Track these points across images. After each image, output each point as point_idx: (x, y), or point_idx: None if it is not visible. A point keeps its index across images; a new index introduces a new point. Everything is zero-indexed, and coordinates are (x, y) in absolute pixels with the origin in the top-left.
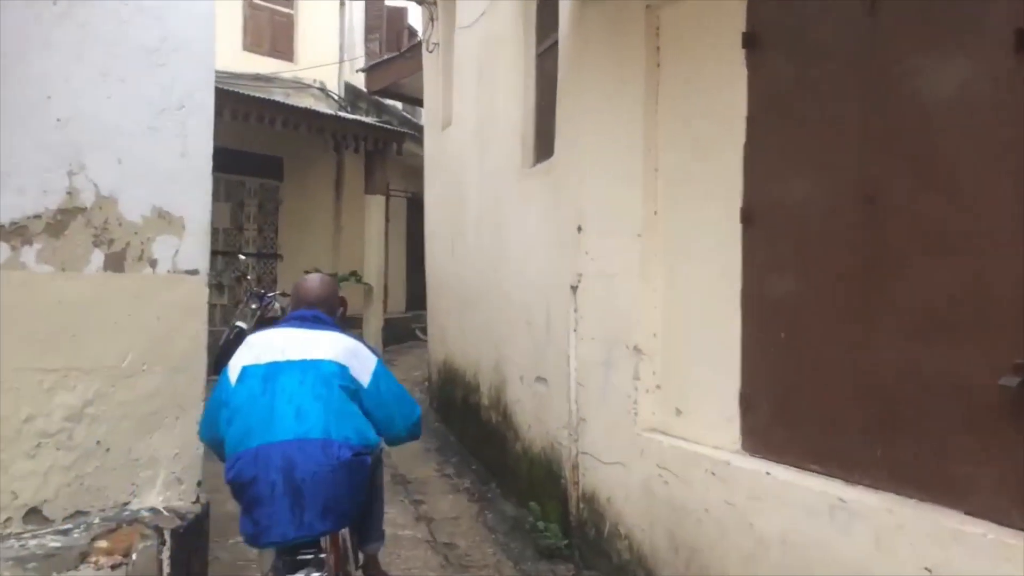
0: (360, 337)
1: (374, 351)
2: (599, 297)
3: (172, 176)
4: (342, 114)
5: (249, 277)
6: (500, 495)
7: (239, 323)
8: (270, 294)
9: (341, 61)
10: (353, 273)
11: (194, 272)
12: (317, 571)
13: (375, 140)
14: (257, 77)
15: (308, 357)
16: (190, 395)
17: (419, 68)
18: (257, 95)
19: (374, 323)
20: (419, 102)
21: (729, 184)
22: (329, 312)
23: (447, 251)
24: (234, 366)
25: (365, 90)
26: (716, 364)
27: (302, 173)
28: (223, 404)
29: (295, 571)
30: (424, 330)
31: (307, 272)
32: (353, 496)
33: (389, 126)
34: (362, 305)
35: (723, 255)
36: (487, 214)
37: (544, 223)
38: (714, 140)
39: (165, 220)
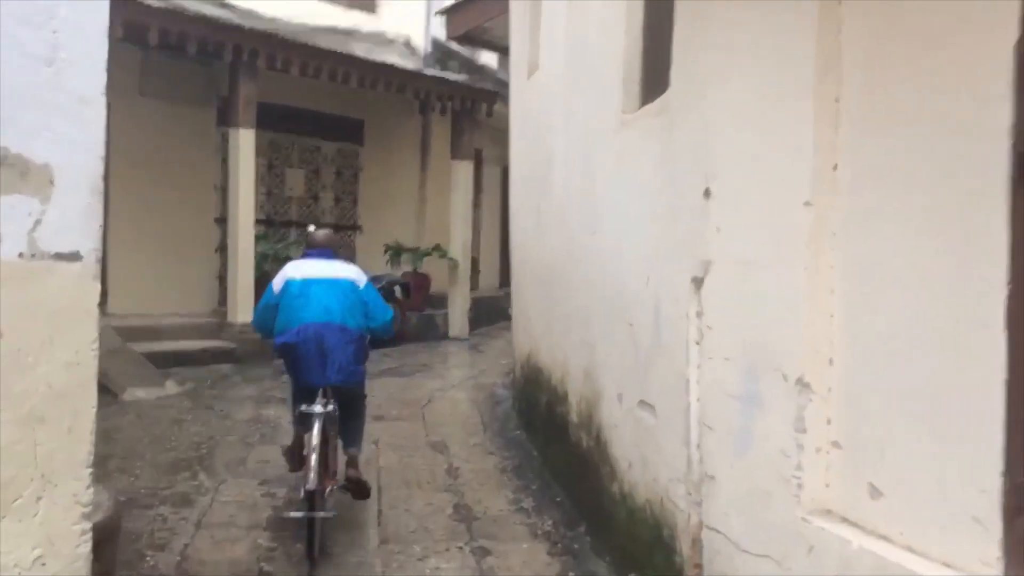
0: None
1: (369, 283)
2: (738, 296)
3: (26, 97)
4: (427, 71)
5: None
6: (590, 548)
7: None
8: None
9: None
10: (436, 247)
11: (73, 256)
12: (325, 404)
13: (463, 99)
14: (334, 30)
15: (330, 275)
16: (67, 456)
17: (507, 8)
18: (332, 50)
19: (460, 303)
20: (507, 50)
21: (981, 111)
22: (334, 251)
23: (532, 222)
24: (277, 281)
25: (455, 45)
26: (951, 419)
27: (384, 137)
28: (271, 306)
29: (314, 402)
30: None
31: (315, 228)
32: (355, 361)
33: (479, 86)
34: (447, 282)
35: (966, 234)
36: (575, 175)
37: (651, 186)
38: (947, 39)
39: (14, 170)
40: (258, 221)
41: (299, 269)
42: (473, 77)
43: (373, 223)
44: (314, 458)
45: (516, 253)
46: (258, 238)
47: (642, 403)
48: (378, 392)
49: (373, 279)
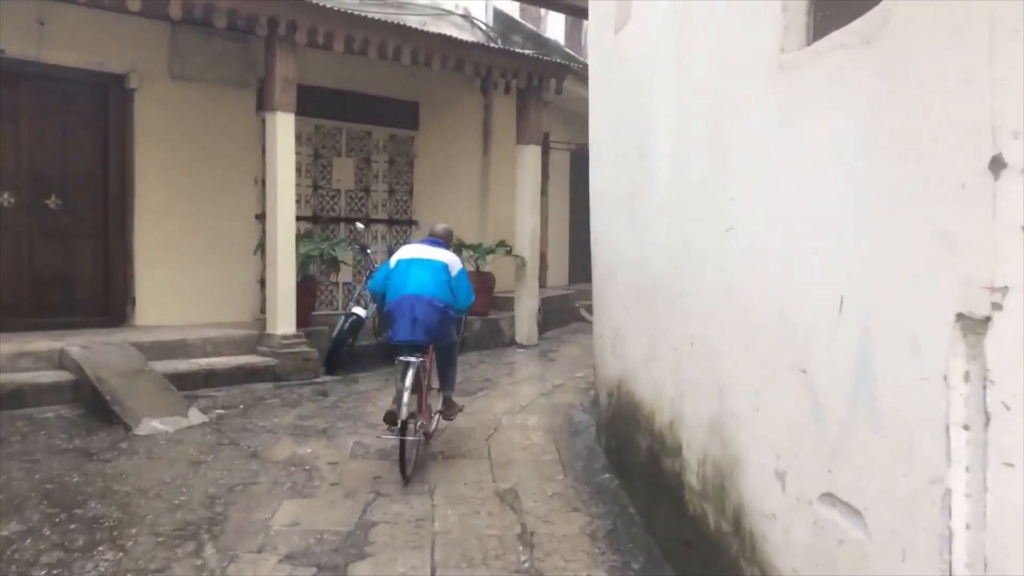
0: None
1: (462, 270)
2: None
3: None
4: (490, 45)
5: (370, 251)
6: None
7: (356, 309)
8: None
9: None
10: (501, 243)
11: None
12: (419, 356)
13: (529, 76)
14: (385, 2)
15: (429, 258)
16: None
17: None
18: (381, 19)
19: (527, 303)
20: (580, 11)
21: None
22: (446, 241)
23: (622, 214)
24: (393, 259)
25: (517, 15)
26: None
27: (441, 121)
28: (386, 275)
29: (411, 355)
30: (590, 309)
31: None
32: (439, 326)
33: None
34: (512, 281)
35: None
36: (692, 152)
37: (851, 159)
38: None
39: None
40: (303, 218)
41: (408, 251)
42: (538, 52)
43: (431, 216)
44: (406, 396)
45: (600, 253)
46: (302, 237)
47: (830, 498)
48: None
49: None
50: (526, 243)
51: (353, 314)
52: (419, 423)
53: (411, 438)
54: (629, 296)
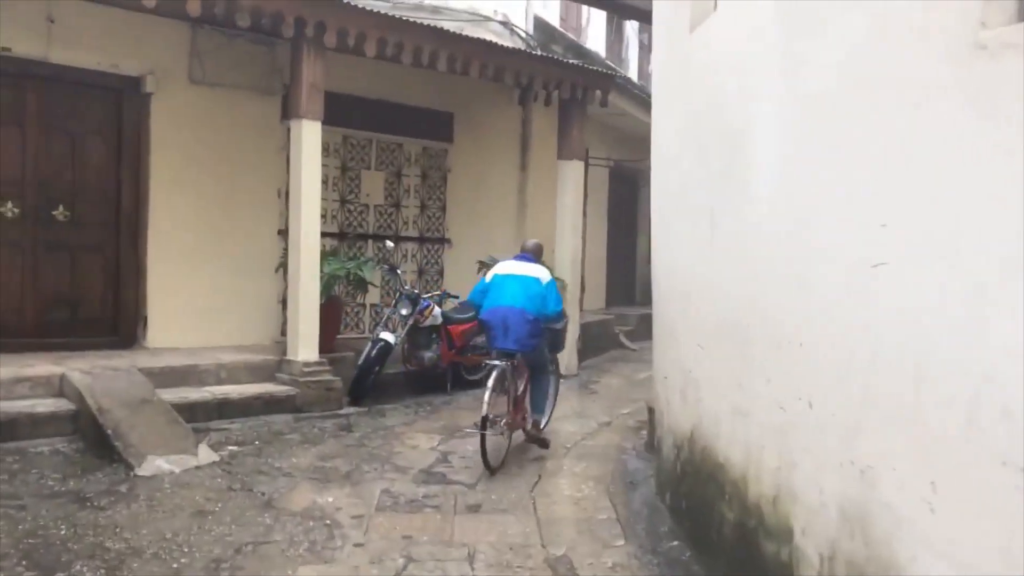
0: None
1: (552, 280)
2: None
3: None
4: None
5: (400, 271)
6: None
7: (383, 335)
8: (427, 295)
9: None
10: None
11: None
12: (509, 360)
13: (573, 86)
14: (419, 6)
15: (522, 273)
16: None
17: None
18: (416, 21)
19: (569, 330)
20: (636, 13)
21: None
22: (536, 256)
23: (699, 237)
24: (489, 274)
25: (558, 24)
26: None
27: (477, 133)
28: (483, 289)
29: (503, 360)
30: (630, 335)
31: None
32: (530, 336)
33: (591, 68)
34: None
35: None
36: (817, 165)
37: None
38: None
39: None
40: (328, 234)
41: (503, 267)
42: (580, 62)
43: (464, 234)
44: (487, 395)
45: (663, 278)
46: (327, 254)
47: None
48: (471, 456)
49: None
50: (567, 265)
51: (381, 339)
52: (504, 420)
53: (490, 433)
54: (707, 332)
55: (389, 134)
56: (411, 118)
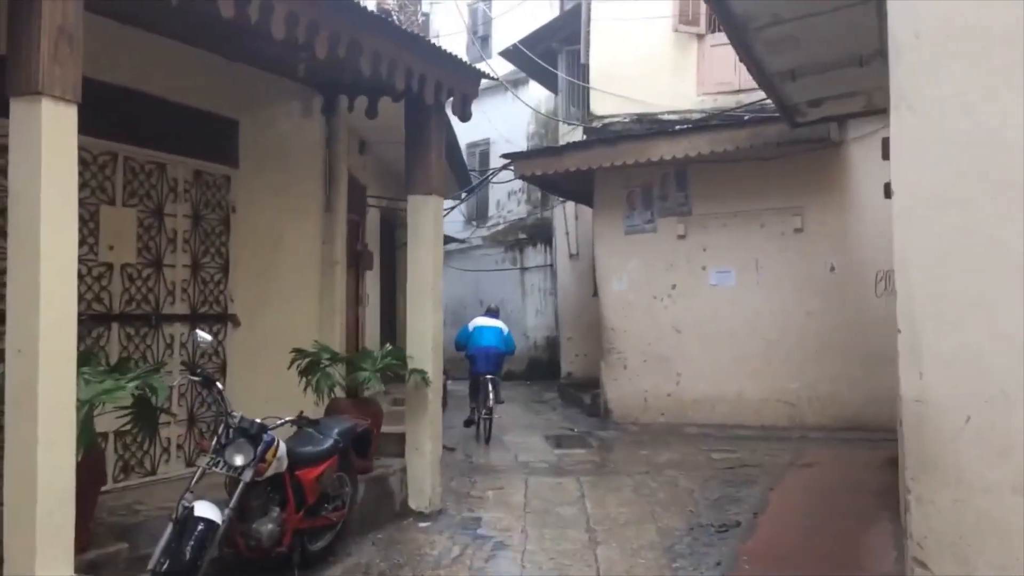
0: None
1: (508, 330)
2: None
3: None
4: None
5: (220, 387)
6: None
7: (201, 508)
8: (271, 426)
9: None
10: (392, 352)
11: None
12: (493, 377)
13: (437, 85)
14: None
15: (493, 325)
16: None
17: None
18: None
19: (428, 447)
20: None
21: None
22: (497, 314)
23: None
24: (471, 324)
25: None
26: None
27: (271, 151)
28: (468, 336)
29: (485, 376)
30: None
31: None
32: (500, 366)
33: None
34: (396, 413)
35: None
36: None
37: None
38: None
39: None
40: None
41: (480, 321)
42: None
43: (256, 309)
44: (481, 398)
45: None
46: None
47: None
48: None
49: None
50: (426, 350)
51: (200, 518)
52: (483, 412)
53: (484, 416)
54: None
55: (145, 147)
56: (178, 123)
